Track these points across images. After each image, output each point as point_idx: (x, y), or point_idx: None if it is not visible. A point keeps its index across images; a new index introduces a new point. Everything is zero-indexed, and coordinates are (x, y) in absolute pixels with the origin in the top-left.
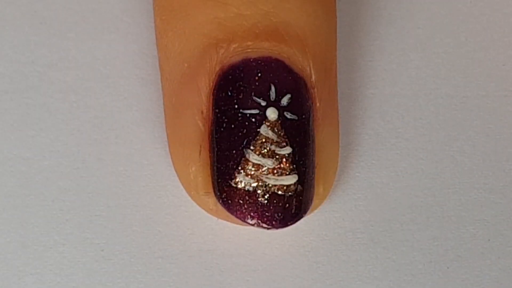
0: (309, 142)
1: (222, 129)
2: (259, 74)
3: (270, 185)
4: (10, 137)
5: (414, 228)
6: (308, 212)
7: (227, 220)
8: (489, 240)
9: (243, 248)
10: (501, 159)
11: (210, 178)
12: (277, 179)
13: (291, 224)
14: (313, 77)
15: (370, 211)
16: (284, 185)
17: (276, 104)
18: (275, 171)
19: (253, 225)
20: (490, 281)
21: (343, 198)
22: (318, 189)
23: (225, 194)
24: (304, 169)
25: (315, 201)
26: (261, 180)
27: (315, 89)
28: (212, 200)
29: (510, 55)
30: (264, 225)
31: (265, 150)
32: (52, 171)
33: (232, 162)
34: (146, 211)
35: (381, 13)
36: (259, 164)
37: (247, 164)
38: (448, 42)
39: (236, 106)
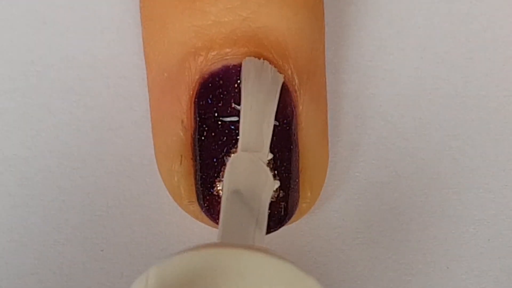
0: (292, 147)
1: (203, 138)
2: (239, 81)
3: None
4: (10, 137)
5: (414, 228)
6: (295, 217)
7: (214, 227)
8: (489, 240)
9: None
10: (501, 159)
11: (192, 187)
12: None
13: (274, 230)
14: (295, 80)
15: (370, 211)
16: None
17: None
18: None
19: None
20: (490, 281)
21: (343, 198)
22: (305, 193)
23: (207, 202)
24: (286, 174)
25: (302, 205)
26: None
27: (297, 93)
28: (196, 208)
29: (510, 55)
30: None
31: None
32: (52, 171)
33: (213, 171)
34: (146, 211)
35: (381, 13)
36: None
37: None
38: (448, 42)
39: (216, 114)
